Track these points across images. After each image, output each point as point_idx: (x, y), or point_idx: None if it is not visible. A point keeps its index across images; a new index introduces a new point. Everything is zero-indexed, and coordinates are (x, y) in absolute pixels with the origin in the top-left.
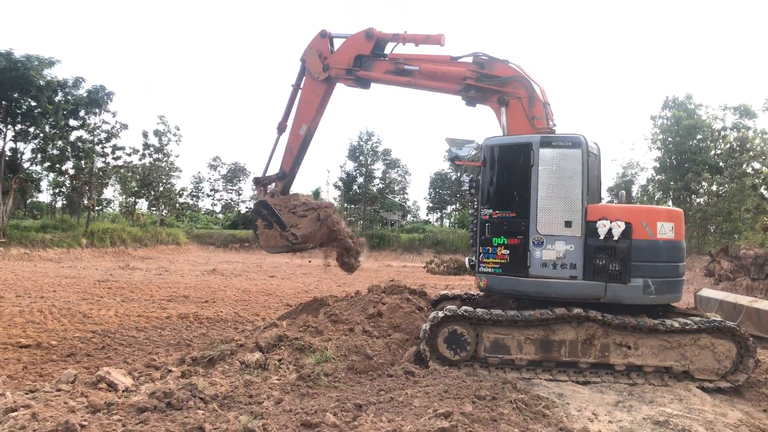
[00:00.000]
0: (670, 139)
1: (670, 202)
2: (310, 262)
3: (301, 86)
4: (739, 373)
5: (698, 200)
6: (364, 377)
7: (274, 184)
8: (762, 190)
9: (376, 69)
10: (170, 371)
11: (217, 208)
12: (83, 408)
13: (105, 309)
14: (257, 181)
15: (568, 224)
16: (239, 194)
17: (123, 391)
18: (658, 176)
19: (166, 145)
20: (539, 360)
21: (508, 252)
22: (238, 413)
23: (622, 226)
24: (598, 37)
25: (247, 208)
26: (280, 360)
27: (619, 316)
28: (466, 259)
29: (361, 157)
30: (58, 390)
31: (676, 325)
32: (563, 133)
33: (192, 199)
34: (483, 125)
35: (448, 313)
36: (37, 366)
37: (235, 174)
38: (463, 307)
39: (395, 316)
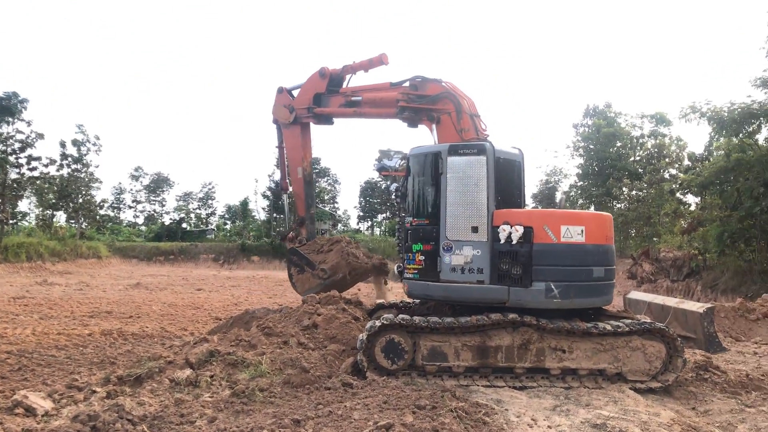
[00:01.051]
0: (591, 146)
1: (592, 208)
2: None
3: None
4: (669, 373)
5: (618, 205)
6: (301, 391)
7: (299, 233)
8: (678, 194)
9: (332, 104)
10: (94, 392)
11: (140, 220)
12: None
13: (21, 327)
14: (283, 238)
15: (474, 230)
16: (162, 205)
17: (42, 416)
18: (581, 182)
19: (85, 155)
20: (476, 366)
21: (424, 258)
22: None
23: (521, 230)
24: (528, 49)
25: (171, 219)
26: (212, 376)
27: (554, 321)
28: (395, 266)
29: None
30: None
31: (609, 327)
32: (470, 140)
33: (113, 211)
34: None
35: (385, 322)
36: None
37: (158, 184)
38: (401, 315)
39: (331, 327)
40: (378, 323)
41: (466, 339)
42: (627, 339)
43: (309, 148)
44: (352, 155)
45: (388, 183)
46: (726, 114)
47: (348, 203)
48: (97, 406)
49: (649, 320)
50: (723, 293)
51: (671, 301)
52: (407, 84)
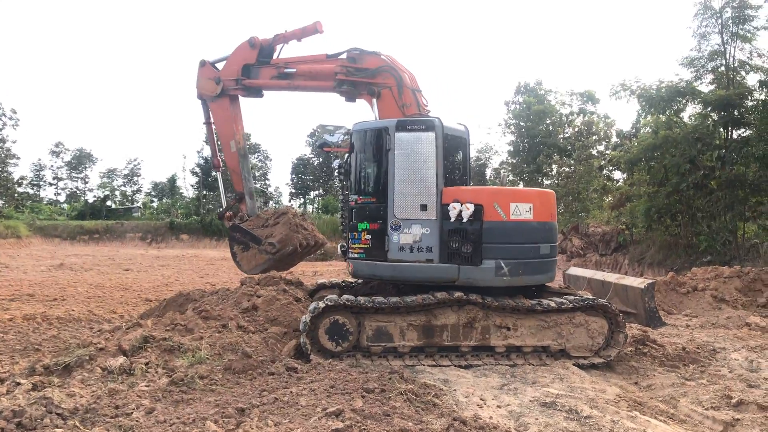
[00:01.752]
0: (522, 123)
1: (521, 185)
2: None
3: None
4: (611, 348)
5: (548, 182)
6: (243, 377)
7: (239, 210)
8: (606, 171)
9: (262, 76)
10: (19, 384)
11: (62, 198)
12: None
13: None
14: (221, 216)
15: (423, 208)
16: (85, 182)
17: None
18: (512, 159)
19: (0, 129)
20: (422, 346)
21: (370, 237)
22: (104, 428)
23: (471, 208)
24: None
25: (95, 196)
26: (147, 364)
27: (499, 299)
28: (339, 245)
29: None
30: None
31: (553, 304)
32: (417, 116)
33: (33, 189)
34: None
35: (329, 303)
36: None
37: (80, 161)
38: (345, 296)
39: (272, 309)
40: (322, 304)
41: (412, 318)
42: (570, 315)
43: (240, 120)
44: (283, 131)
45: (332, 159)
46: (654, 92)
47: (280, 180)
48: (23, 400)
49: (591, 296)
50: (649, 266)
51: (611, 277)
52: (344, 56)
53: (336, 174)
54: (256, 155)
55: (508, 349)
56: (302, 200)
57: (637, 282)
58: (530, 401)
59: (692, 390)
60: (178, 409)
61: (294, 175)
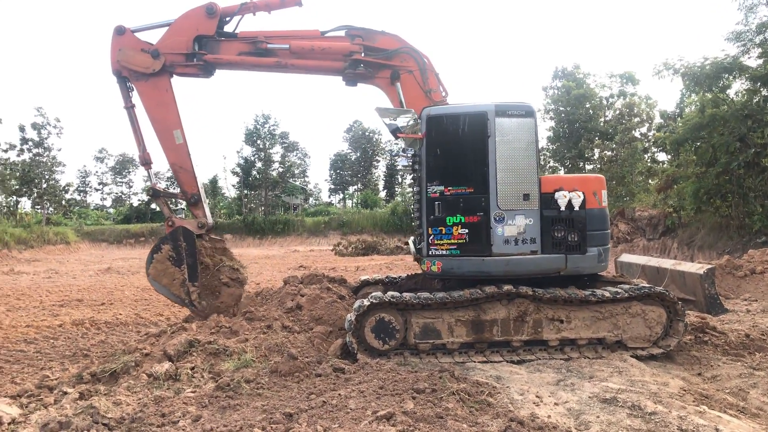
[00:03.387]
0: (561, 108)
1: (562, 171)
2: None
3: (137, 100)
4: (670, 338)
5: (590, 167)
6: (290, 380)
7: (195, 216)
8: (650, 153)
9: (227, 51)
10: (66, 393)
11: (108, 203)
12: None
13: None
14: (170, 222)
15: (526, 197)
16: (130, 186)
17: (8, 425)
18: (552, 145)
19: (46, 138)
20: (471, 342)
21: (467, 231)
22: None
23: (582, 196)
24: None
25: (139, 200)
26: (193, 368)
27: (550, 290)
28: (410, 241)
29: (258, 142)
30: None
31: (608, 294)
32: (512, 101)
33: (79, 195)
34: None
35: (374, 301)
36: None
37: (123, 166)
38: (390, 293)
39: (316, 308)
40: (366, 302)
41: (460, 314)
42: (626, 305)
43: (177, 105)
44: (320, 127)
45: (403, 147)
46: (699, 69)
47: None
48: (69, 410)
49: (646, 284)
50: (700, 250)
51: (667, 263)
52: (342, 34)
53: (407, 164)
54: (295, 153)
55: (561, 342)
56: (341, 195)
57: (695, 268)
58: (589, 397)
59: (762, 381)
60: (224, 416)
61: (332, 171)
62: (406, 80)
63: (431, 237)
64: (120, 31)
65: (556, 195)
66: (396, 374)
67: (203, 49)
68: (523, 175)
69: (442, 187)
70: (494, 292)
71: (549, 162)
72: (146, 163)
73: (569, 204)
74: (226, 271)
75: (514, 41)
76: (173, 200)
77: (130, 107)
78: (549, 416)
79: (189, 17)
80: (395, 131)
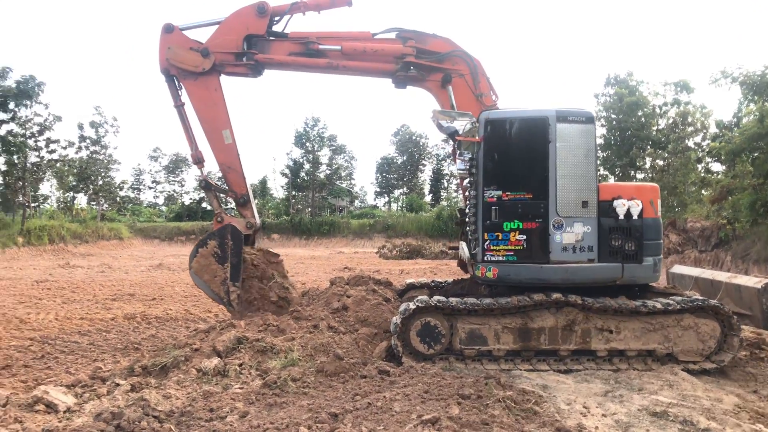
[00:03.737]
0: (613, 116)
1: (612, 179)
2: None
3: (187, 98)
4: (724, 353)
5: (641, 176)
6: (335, 380)
7: (244, 217)
8: (704, 163)
9: (277, 51)
10: (118, 384)
11: (160, 201)
12: None
13: (44, 312)
14: (219, 219)
15: (585, 204)
16: (182, 185)
17: (64, 413)
18: (603, 153)
19: (103, 136)
20: (518, 349)
21: (525, 237)
22: None
23: (640, 205)
24: (541, 17)
25: (191, 199)
26: (240, 365)
27: (600, 300)
28: (462, 246)
29: (307, 144)
30: None
31: (659, 305)
32: (572, 108)
33: (133, 192)
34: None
35: (420, 305)
36: None
37: (176, 165)
38: (436, 297)
39: (361, 310)
40: (412, 305)
41: (507, 321)
42: (678, 317)
43: (225, 104)
44: (367, 130)
45: (459, 150)
46: (759, 78)
47: (364, 179)
48: (121, 401)
49: (699, 296)
50: (755, 263)
51: (722, 276)
52: (392, 36)
53: (464, 167)
54: (342, 155)
55: (610, 353)
56: (387, 198)
57: (752, 281)
58: (638, 410)
59: None
60: (271, 413)
61: (378, 174)
62: (457, 84)
63: (487, 242)
64: (169, 29)
65: (615, 203)
66: (441, 379)
67: (253, 48)
68: (582, 182)
69: (499, 192)
70: (542, 300)
71: (599, 170)
72: (198, 161)
73: (628, 213)
74: (276, 288)
75: (566, 47)
76: (223, 199)
77: (179, 106)
78: (596, 427)
79: (239, 16)
80: (453, 134)
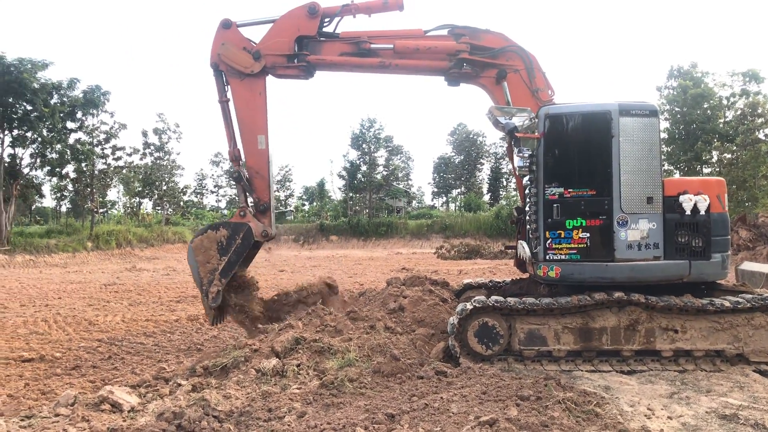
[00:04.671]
0: (677, 109)
1: (677, 174)
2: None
3: (230, 97)
4: None
5: (707, 170)
6: (392, 381)
7: (262, 223)
8: None
9: (329, 51)
10: (180, 385)
11: (222, 204)
12: None
13: (111, 314)
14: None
15: (649, 200)
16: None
17: (128, 412)
18: (667, 148)
19: (166, 143)
20: (579, 350)
21: (588, 235)
22: None
23: (708, 200)
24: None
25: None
26: (298, 365)
27: (664, 298)
28: (522, 245)
29: (363, 145)
30: (57, 415)
31: (727, 304)
32: (635, 101)
33: (196, 197)
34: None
35: (477, 305)
36: (40, 381)
37: None
38: (493, 297)
39: (418, 310)
40: (469, 306)
41: (567, 321)
42: (749, 316)
43: (267, 110)
44: (424, 130)
45: (519, 147)
46: None
47: (421, 180)
48: (183, 401)
49: None
50: None
51: None
52: (444, 32)
53: (524, 164)
54: (399, 156)
55: (676, 353)
56: (444, 199)
57: None
58: (706, 412)
59: None
60: (328, 414)
61: (436, 174)
62: (512, 80)
63: (549, 241)
64: (226, 25)
65: (681, 198)
66: (499, 380)
67: (304, 49)
68: (647, 178)
69: (561, 189)
70: (604, 299)
71: (663, 165)
72: (235, 159)
73: (694, 208)
74: (256, 303)
75: (626, 39)
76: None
77: (223, 102)
78: (662, 430)
79: (290, 17)
80: (513, 130)
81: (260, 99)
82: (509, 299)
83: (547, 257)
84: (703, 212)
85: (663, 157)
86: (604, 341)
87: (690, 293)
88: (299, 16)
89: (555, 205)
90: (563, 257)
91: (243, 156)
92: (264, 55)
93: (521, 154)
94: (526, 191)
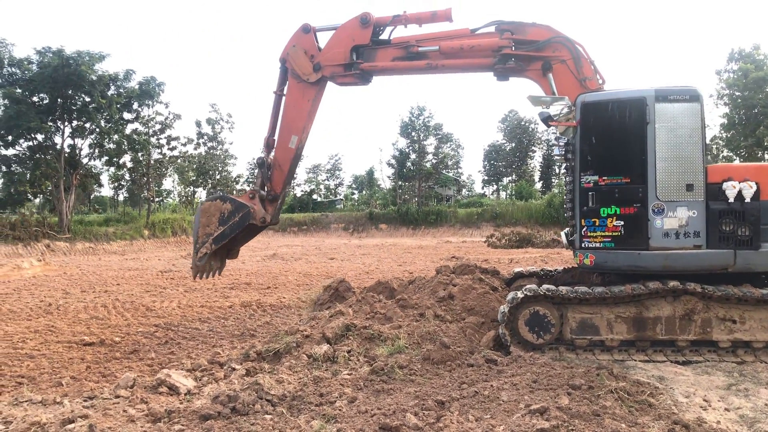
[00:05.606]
0: (737, 93)
1: (737, 160)
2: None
3: (285, 92)
4: None
5: None
6: (442, 368)
7: (266, 210)
8: None
9: (381, 58)
10: (234, 369)
11: None
12: (143, 416)
13: (168, 300)
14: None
15: (689, 188)
16: (294, 178)
17: (185, 395)
18: (726, 133)
19: (219, 133)
20: (632, 339)
21: (622, 223)
22: (310, 417)
23: (754, 186)
24: None
25: (302, 191)
26: (349, 351)
27: (721, 288)
28: (563, 233)
29: (413, 134)
30: (117, 396)
31: None
32: (675, 86)
33: (248, 186)
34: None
35: (528, 293)
36: (101, 365)
37: None
38: (545, 286)
39: (468, 298)
40: (520, 294)
41: (620, 310)
42: None
43: (314, 115)
44: (474, 118)
45: (555, 136)
46: None
47: (471, 168)
48: (237, 385)
49: None
50: None
51: None
52: (492, 30)
53: (561, 153)
54: (448, 144)
55: (734, 344)
56: (495, 187)
57: None
58: (766, 405)
59: None
60: (378, 399)
61: (486, 162)
62: (558, 70)
63: (584, 229)
64: (305, 30)
65: (724, 185)
66: (550, 369)
67: (360, 58)
68: (686, 165)
69: (596, 177)
70: (658, 288)
71: (723, 151)
72: (268, 146)
73: (739, 195)
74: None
75: (685, 21)
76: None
77: (279, 94)
78: (718, 422)
79: (345, 28)
80: (547, 119)
81: (307, 104)
82: (561, 288)
83: (583, 245)
84: (749, 200)
85: (722, 143)
86: (659, 331)
87: (749, 283)
88: (353, 27)
89: (590, 193)
90: (598, 245)
91: (275, 146)
92: (323, 66)
93: (557, 143)
94: (564, 180)
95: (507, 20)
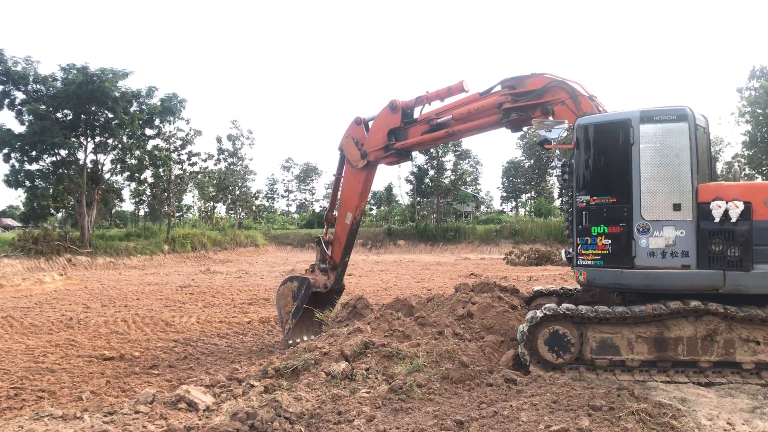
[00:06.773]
0: (759, 110)
1: (759, 178)
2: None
3: (343, 174)
4: None
5: None
6: (461, 387)
7: (327, 277)
8: None
9: (412, 135)
10: (252, 386)
11: (292, 208)
12: None
13: (187, 316)
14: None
15: (676, 207)
16: (312, 193)
17: (203, 411)
18: (748, 151)
19: (239, 149)
20: (653, 360)
21: (610, 242)
22: None
23: (741, 206)
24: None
25: (321, 206)
26: (367, 369)
27: (745, 308)
28: (563, 251)
29: (431, 150)
30: (137, 412)
31: None
32: (662, 106)
33: (267, 201)
34: None
35: (547, 312)
36: (120, 379)
37: (307, 174)
38: (564, 305)
39: (487, 317)
40: (540, 313)
41: (641, 330)
42: None
43: (367, 195)
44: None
45: (552, 157)
46: None
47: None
48: (255, 402)
49: None
50: None
51: None
52: (498, 88)
53: (559, 173)
54: (467, 161)
55: (758, 366)
56: (513, 203)
57: None
58: None
59: None
60: (397, 419)
61: (505, 179)
62: (559, 111)
63: (579, 247)
64: (357, 122)
65: (711, 205)
66: (571, 389)
67: (396, 139)
68: (673, 184)
69: (587, 197)
70: (679, 308)
71: (744, 169)
72: (328, 221)
73: (725, 215)
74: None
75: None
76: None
77: (338, 177)
78: None
79: (380, 118)
80: (543, 142)
81: (360, 185)
82: (581, 307)
83: (578, 262)
84: (734, 220)
85: (744, 161)
86: (680, 351)
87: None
88: (385, 115)
89: (584, 212)
90: (589, 263)
91: (336, 222)
92: (368, 152)
93: (556, 164)
94: (561, 200)
95: (509, 76)
